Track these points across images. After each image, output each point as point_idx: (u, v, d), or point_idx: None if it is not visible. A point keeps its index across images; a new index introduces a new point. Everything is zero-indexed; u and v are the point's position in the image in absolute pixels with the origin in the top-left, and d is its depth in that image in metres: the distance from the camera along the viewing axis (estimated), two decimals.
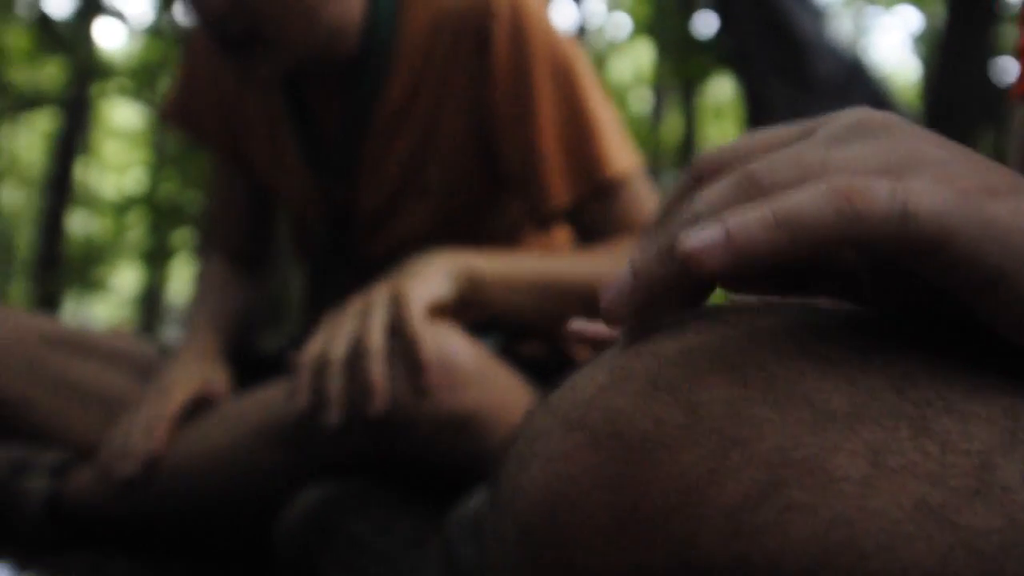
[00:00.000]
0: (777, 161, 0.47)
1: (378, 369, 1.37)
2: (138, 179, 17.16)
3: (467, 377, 1.42)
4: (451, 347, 1.42)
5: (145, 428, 1.56)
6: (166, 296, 17.52)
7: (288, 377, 1.51)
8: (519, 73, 1.67)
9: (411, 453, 1.41)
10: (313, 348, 1.42)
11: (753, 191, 0.46)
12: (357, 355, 1.38)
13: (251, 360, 1.85)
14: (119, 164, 20.20)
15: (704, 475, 0.41)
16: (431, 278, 1.48)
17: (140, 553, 1.63)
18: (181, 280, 17.53)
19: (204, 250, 2.06)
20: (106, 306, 19.68)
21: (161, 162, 13.78)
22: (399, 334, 1.40)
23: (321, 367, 1.40)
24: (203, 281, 1.96)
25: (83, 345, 1.87)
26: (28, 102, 13.33)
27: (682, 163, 11.91)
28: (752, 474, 0.41)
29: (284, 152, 1.85)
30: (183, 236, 13.39)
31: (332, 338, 1.42)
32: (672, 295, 0.49)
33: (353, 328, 1.41)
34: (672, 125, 14.94)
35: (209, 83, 1.93)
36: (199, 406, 1.62)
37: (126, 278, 19.35)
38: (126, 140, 19.87)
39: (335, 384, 1.38)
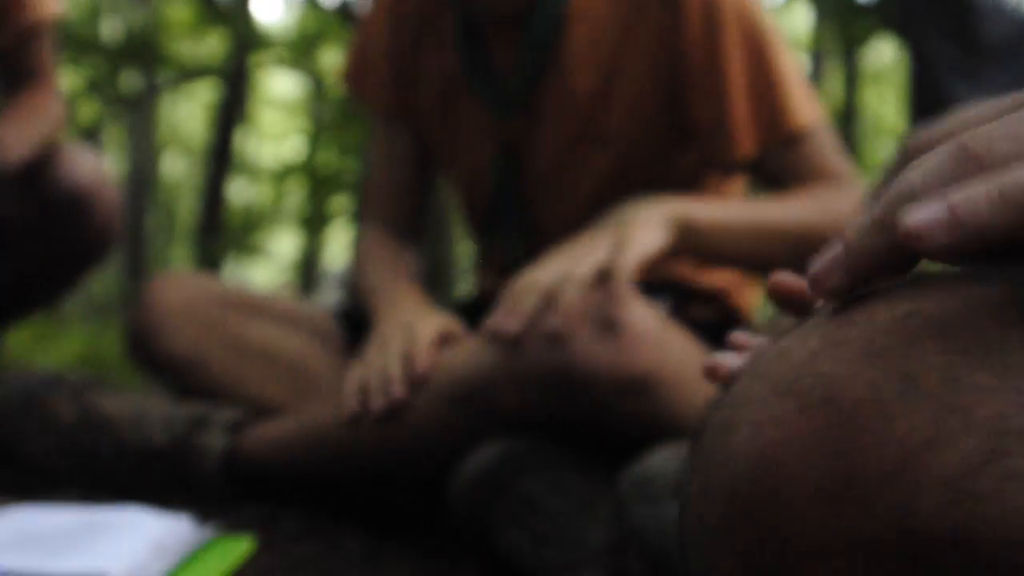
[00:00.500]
0: (994, 133, 0.46)
1: (572, 295, 1.39)
2: (296, 147, 17.45)
3: (646, 338, 1.43)
4: (634, 307, 1.43)
5: (403, 355, 1.59)
6: (323, 261, 17.80)
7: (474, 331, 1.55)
8: (709, 24, 1.68)
9: (586, 413, 1.42)
10: (526, 276, 1.46)
11: (971, 165, 0.45)
12: (559, 281, 1.42)
13: None
14: (277, 133, 20.54)
15: (922, 442, 0.41)
16: (652, 228, 1.50)
17: (312, 509, 1.67)
18: (338, 246, 17.79)
19: (362, 219, 2.09)
20: (264, 271, 20.07)
21: (318, 130, 13.99)
22: (606, 281, 1.42)
23: (524, 291, 1.43)
24: (368, 250, 1.99)
25: (258, 307, 1.92)
26: (190, 74, 13.62)
27: (842, 129, 11.66)
28: (971, 442, 0.40)
29: (460, 107, 1.87)
30: (340, 203, 13.58)
31: (546, 267, 1.46)
32: (884, 267, 0.48)
33: (567, 261, 1.44)
34: (831, 90, 14.66)
35: (383, 49, 1.97)
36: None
37: (284, 244, 19.70)
38: (284, 109, 20.20)
39: (528, 302, 1.41)
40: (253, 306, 1.92)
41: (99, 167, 2.24)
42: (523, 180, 1.84)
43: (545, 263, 1.48)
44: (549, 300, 1.41)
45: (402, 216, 2.03)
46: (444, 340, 1.62)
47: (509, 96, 1.80)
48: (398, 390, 1.55)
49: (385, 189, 2.03)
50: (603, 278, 1.43)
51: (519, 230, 1.87)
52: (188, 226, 18.81)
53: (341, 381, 1.68)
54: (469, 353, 1.48)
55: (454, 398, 1.48)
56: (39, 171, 2.14)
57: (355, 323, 1.95)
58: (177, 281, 1.93)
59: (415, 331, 1.63)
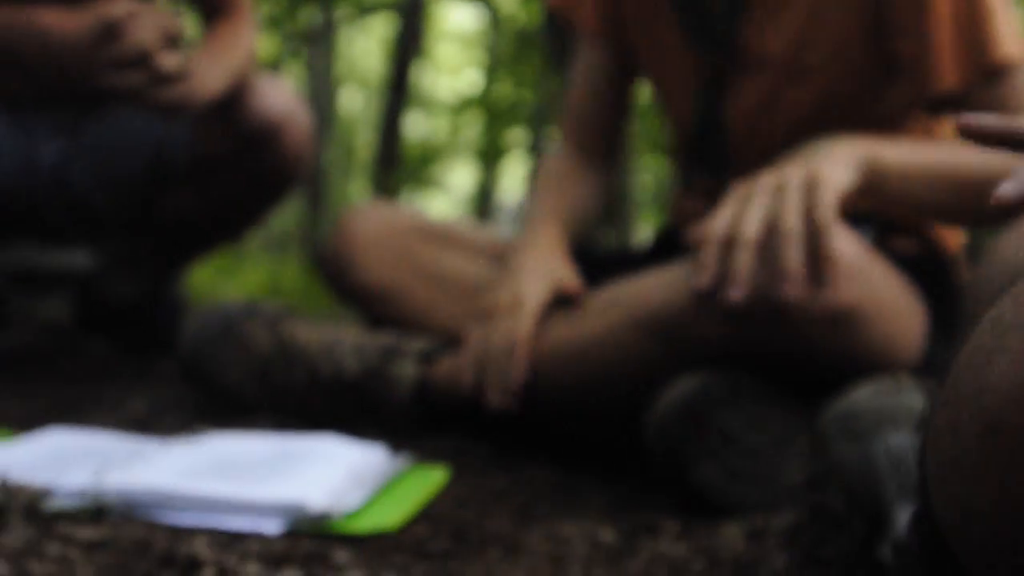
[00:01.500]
0: None
1: (795, 255, 1.34)
2: (472, 80, 17.49)
3: (852, 271, 1.37)
4: (840, 239, 1.38)
5: (505, 351, 1.58)
6: (498, 194, 17.87)
7: (665, 265, 1.52)
8: None
9: (787, 347, 1.38)
10: (719, 223, 1.40)
11: None
12: (771, 236, 1.36)
13: (591, 256, 1.85)
14: (453, 66, 20.64)
15: None
16: (841, 166, 1.43)
17: (503, 439, 1.66)
18: (514, 179, 17.85)
19: (558, 140, 2.06)
20: (440, 204, 20.26)
21: (494, 63, 13.99)
22: (808, 220, 1.36)
23: (730, 243, 1.38)
24: (548, 171, 1.96)
25: (451, 237, 1.91)
26: (367, 8, 13.74)
27: None
28: None
29: (666, 41, 1.83)
30: (516, 135, 13.59)
31: (743, 215, 1.39)
32: None
33: (767, 207, 1.38)
34: None
35: None
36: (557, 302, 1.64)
37: (460, 177, 19.83)
38: (460, 42, 20.27)
39: (745, 262, 1.36)
40: (446, 236, 1.92)
41: (292, 97, 2.25)
42: (724, 115, 1.79)
43: (736, 206, 1.41)
44: (765, 262, 1.35)
45: (596, 139, 1.99)
46: (557, 300, 1.62)
47: (715, 33, 1.75)
48: (500, 400, 1.57)
49: (582, 111, 2.00)
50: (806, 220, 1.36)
51: (719, 163, 1.82)
52: (365, 160, 19.07)
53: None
54: (667, 283, 1.45)
55: (651, 329, 1.45)
56: (233, 103, 2.16)
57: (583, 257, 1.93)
58: (370, 211, 1.94)
59: (522, 310, 1.62)
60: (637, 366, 1.49)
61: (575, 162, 1.96)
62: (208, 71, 2.00)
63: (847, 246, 1.38)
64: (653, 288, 1.48)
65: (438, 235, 1.92)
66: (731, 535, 1.24)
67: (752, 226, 1.36)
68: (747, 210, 1.38)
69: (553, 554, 1.17)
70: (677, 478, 1.36)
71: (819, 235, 1.34)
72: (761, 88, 1.73)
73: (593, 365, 1.52)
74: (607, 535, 1.23)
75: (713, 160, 1.81)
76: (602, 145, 1.99)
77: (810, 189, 1.37)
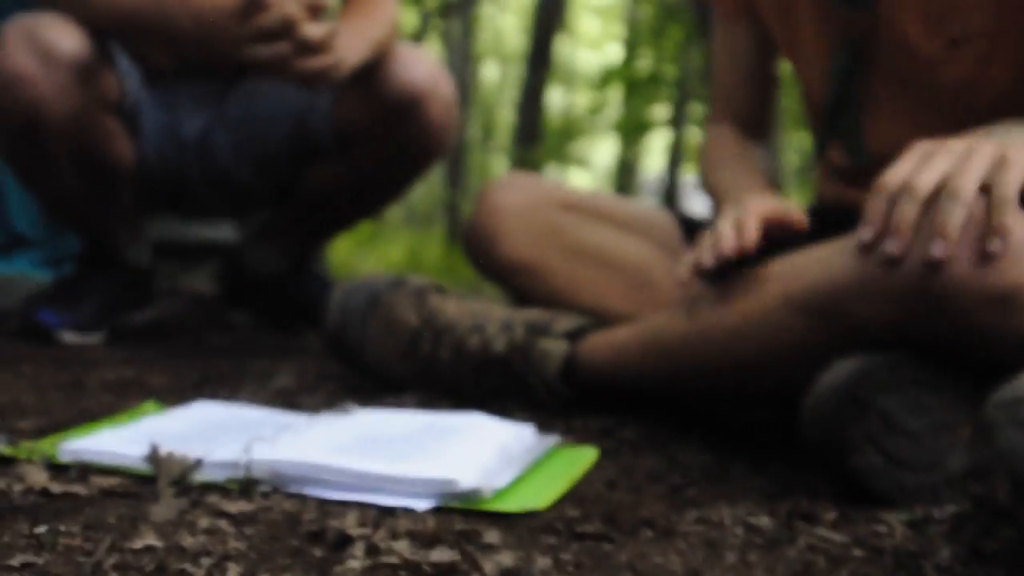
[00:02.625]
0: None
1: (958, 218, 1.27)
2: (614, 53, 17.39)
3: (1021, 250, 1.31)
4: (1015, 219, 1.30)
5: (734, 225, 1.53)
6: (640, 169, 17.78)
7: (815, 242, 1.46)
8: None
9: (952, 329, 1.31)
10: (893, 176, 1.33)
11: None
12: (942, 194, 1.29)
13: None
14: (595, 39, 20.56)
15: None
16: None
17: (651, 420, 1.63)
18: (656, 153, 17.73)
19: (710, 119, 2.03)
20: (581, 179, 20.22)
21: (636, 36, 13.88)
22: (989, 194, 1.29)
23: (900, 194, 1.32)
24: (718, 147, 1.92)
25: (598, 211, 1.88)
26: None
27: None
28: None
29: (802, 8, 1.78)
30: (658, 109, 13.49)
31: (919, 170, 1.33)
32: None
33: (947, 166, 1.32)
34: None
35: None
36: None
37: (602, 151, 19.77)
38: (602, 15, 20.18)
39: (909, 213, 1.30)
40: (593, 210, 1.89)
41: (436, 67, 2.24)
42: (868, 79, 1.72)
43: (916, 159, 1.35)
44: (931, 216, 1.29)
45: (748, 113, 1.96)
46: (779, 221, 1.55)
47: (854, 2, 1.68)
48: (727, 246, 1.49)
49: (729, 87, 1.97)
50: (984, 191, 1.30)
51: (861, 134, 1.75)
52: (505, 136, 19.11)
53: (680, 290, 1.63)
54: (825, 260, 1.39)
55: (808, 308, 1.39)
56: (376, 73, 2.16)
57: (698, 226, 1.89)
58: (514, 183, 1.91)
59: (746, 206, 1.56)
60: (791, 347, 1.43)
61: (740, 138, 1.92)
62: (350, 41, 2.00)
63: (1021, 228, 1.31)
64: (808, 265, 1.42)
65: (583, 208, 1.89)
66: (892, 524, 1.19)
67: (926, 181, 1.29)
68: (924, 166, 1.32)
69: (707, 539, 1.13)
70: (835, 463, 1.31)
71: (995, 209, 1.27)
72: (908, 52, 1.66)
73: (745, 345, 1.48)
74: (762, 521, 1.19)
75: (855, 132, 1.75)
76: (756, 120, 1.95)
77: (997, 165, 1.30)
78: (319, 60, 1.90)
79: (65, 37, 1.96)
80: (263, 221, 2.56)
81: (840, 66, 1.73)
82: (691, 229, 1.92)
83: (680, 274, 1.55)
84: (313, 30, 1.87)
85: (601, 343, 1.66)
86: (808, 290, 1.39)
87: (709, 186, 1.85)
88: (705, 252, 1.52)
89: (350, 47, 2.00)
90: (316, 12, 1.90)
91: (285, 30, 1.86)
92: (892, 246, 1.28)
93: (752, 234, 1.50)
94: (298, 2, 1.87)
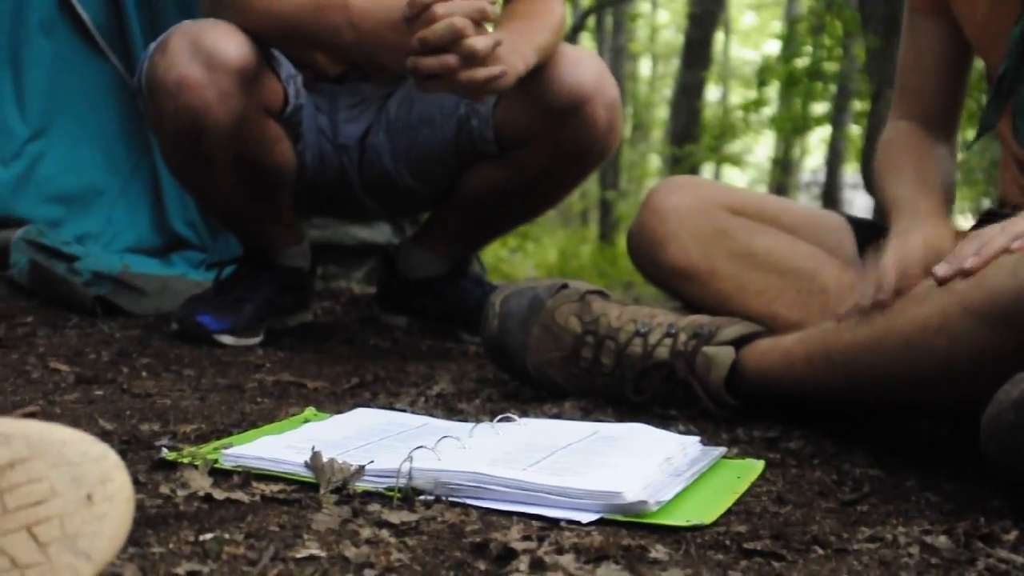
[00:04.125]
0: None
1: None
2: (772, 49, 17.16)
3: None
4: None
5: (896, 267, 1.50)
6: (801, 167, 17.54)
7: None
8: None
9: None
10: None
11: None
12: None
13: None
14: (753, 35, 20.35)
15: None
16: None
17: (819, 430, 1.58)
18: (816, 151, 17.47)
19: (892, 114, 1.97)
20: (739, 177, 20.02)
21: (795, 32, 13.67)
22: None
23: None
24: (898, 147, 1.86)
25: (767, 214, 1.84)
26: None
27: None
28: None
29: None
30: (818, 107, 13.28)
31: None
32: None
33: None
34: None
35: None
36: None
37: (760, 149, 19.55)
38: (759, 10, 19.96)
39: None
40: (761, 213, 1.84)
41: (601, 68, 2.20)
42: None
43: None
44: None
45: (935, 111, 1.90)
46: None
47: None
48: (885, 294, 1.46)
49: (916, 82, 1.91)
50: None
51: None
52: (660, 133, 19.01)
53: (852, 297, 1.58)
54: (1010, 267, 1.32)
55: (990, 316, 1.33)
56: (540, 75, 2.13)
57: (874, 232, 1.83)
58: (682, 186, 1.88)
59: (908, 241, 1.54)
60: (969, 357, 1.37)
61: (922, 136, 1.87)
62: (516, 49, 1.97)
63: None
64: (992, 273, 1.36)
65: (751, 211, 1.84)
66: None
67: None
68: None
69: (882, 559, 1.09)
70: (1015, 481, 1.25)
71: None
72: None
73: (920, 355, 1.42)
74: (939, 540, 1.14)
75: (1019, 116, 1.68)
76: (944, 119, 1.89)
77: None
78: (485, 71, 1.88)
79: (229, 43, 1.98)
80: (421, 224, 2.56)
81: (1017, 36, 1.66)
82: (863, 234, 1.86)
83: (842, 314, 1.52)
84: (480, 42, 1.85)
85: (768, 351, 1.61)
86: (991, 298, 1.32)
87: (881, 187, 1.80)
88: (865, 296, 1.49)
89: (516, 54, 1.97)
90: (482, 21, 1.88)
91: (452, 42, 1.84)
92: None
93: (914, 282, 1.47)
94: (465, 11, 1.85)
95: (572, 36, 13.53)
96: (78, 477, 0.90)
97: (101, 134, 2.91)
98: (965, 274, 1.36)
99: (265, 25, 2.01)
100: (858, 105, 12.26)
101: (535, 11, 2.11)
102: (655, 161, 18.98)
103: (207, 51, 1.96)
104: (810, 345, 1.56)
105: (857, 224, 1.90)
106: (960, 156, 2.00)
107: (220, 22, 2.01)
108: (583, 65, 2.15)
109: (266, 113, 2.13)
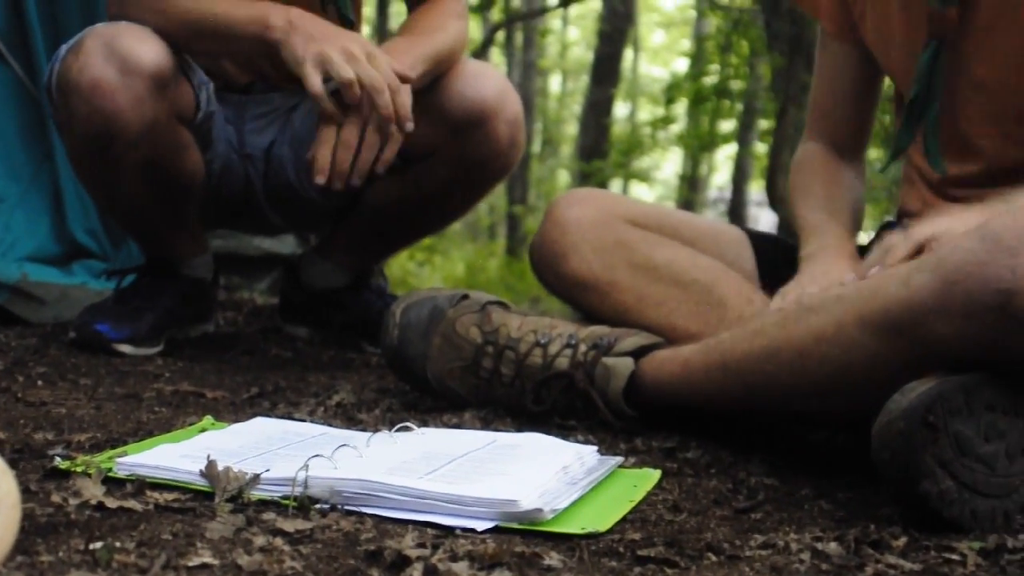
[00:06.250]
0: None
1: None
2: (681, 67, 17.35)
3: None
4: None
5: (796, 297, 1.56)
6: (709, 183, 17.71)
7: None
8: None
9: None
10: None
11: None
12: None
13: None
14: (661, 52, 20.53)
15: None
16: None
17: (715, 440, 1.60)
18: (725, 168, 17.65)
19: (804, 135, 2.01)
20: (647, 193, 20.16)
21: (702, 49, 13.84)
22: None
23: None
24: (808, 170, 1.91)
25: (667, 226, 1.86)
26: None
27: None
28: None
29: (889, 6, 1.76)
30: (728, 124, 13.43)
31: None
32: None
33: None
34: None
35: None
36: None
37: (668, 166, 19.71)
38: (668, 28, 20.15)
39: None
40: (662, 226, 1.86)
41: (503, 82, 2.21)
42: (955, 82, 1.69)
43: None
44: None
45: (845, 134, 1.96)
46: None
47: None
48: None
49: (827, 106, 1.96)
50: None
51: (941, 141, 1.73)
52: (569, 148, 19.10)
53: (750, 309, 1.61)
54: (903, 278, 1.35)
55: (883, 326, 1.35)
56: (441, 89, 2.14)
57: (772, 245, 1.86)
58: (584, 198, 1.89)
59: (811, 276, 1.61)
60: (862, 367, 1.40)
61: (832, 159, 1.92)
62: (403, 55, 1.99)
63: None
64: (885, 283, 1.38)
65: (652, 223, 1.86)
66: (963, 553, 1.15)
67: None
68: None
69: (773, 565, 1.10)
70: (905, 488, 1.27)
71: None
72: (998, 57, 1.63)
73: (815, 364, 1.44)
74: (830, 547, 1.16)
75: (935, 137, 1.73)
76: (854, 141, 1.95)
77: None
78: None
79: (144, 47, 1.96)
80: (323, 235, 2.55)
81: (924, 62, 1.70)
82: (762, 247, 1.89)
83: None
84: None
85: (666, 361, 1.63)
86: (884, 308, 1.35)
87: (792, 208, 1.84)
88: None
89: (402, 60, 1.99)
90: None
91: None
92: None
93: None
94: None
95: (482, 51, 13.54)
96: None
97: (0, 140, 2.86)
98: None
99: (173, 25, 2.00)
100: (764, 123, 12.42)
101: (428, 25, 2.13)
102: (564, 176, 19.05)
103: (122, 54, 1.94)
104: (708, 355, 1.58)
105: (756, 237, 1.93)
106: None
107: (135, 25, 1.99)
108: (485, 80, 2.16)
109: (178, 119, 2.11)
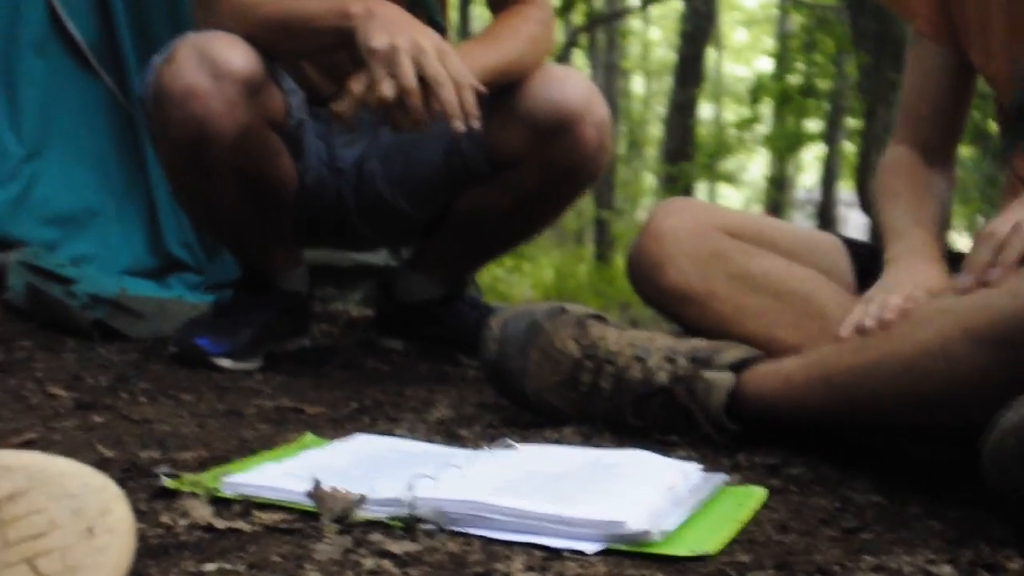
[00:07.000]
0: None
1: None
2: (766, 66, 17.21)
3: None
4: None
5: (880, 304, 1.52)
6: (795, 185, 17.54)
7: None
8: None
9: None
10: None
11: None
12: None
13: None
14: (745, 52, 20.37)
15: None
16: None
17: (820, 455, 1.57)
18: (813, 168, 17.48)
19: (893, 138, 1.97)
20: (733, 195, 20.01)
21: (786, 48, 13.71)
22: None
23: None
24: (895, 173, 1.87)
25: (764, 237, 1.84)
26: None
27: None
28: None
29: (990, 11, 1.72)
30: (811, 124, 13.29)
31: None
32: None
33: None
34: None
35: None
36: None
37: (756, 165, 19.55)
38: (751, 27, 19.99)
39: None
40: (759, 235, 1.84)
41: (590, 87, 2.20)
42: None
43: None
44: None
45: (935, 138, 1.92)
46: None
47: None
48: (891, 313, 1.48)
49: (917, 109, 1.92)
50: None
51: None
52: (654, 151, 19.03)
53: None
54: (1014, 290, 1.32)
55: (992, 340, 1.32)
56: (527, 95, 2.14)
57: (870, 253, 1.83)
58: (681, 209, 1.88)
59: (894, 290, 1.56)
60: (970, 381, 1.37)
61: (920, 163, 1.88)
62: (474, 55, 2.00)
63: None
64: (994, 296, 1.36)
65: (749, 234, 1.84)
66: None
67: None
68: None
69: None
70: (1018, 508, 1.24)
71: None
72: None
73: (920, 379, 1.41)
74: (943, 570, 1.13)
75: None
76: (945, 144, 1.91)
77: None
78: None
79: (235, 53, 1.99)
80: (416, 248, 2.56)
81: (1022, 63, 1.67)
82: (859, 255, 1.86)
83: (843, 332, 1.52)
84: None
85: (767, 375, 1.61)
86: (992, 321, 1.32)
87: (880, 214, 1.81)
88: (869, 318, 1.50)
89: (472, 61, 2.00)
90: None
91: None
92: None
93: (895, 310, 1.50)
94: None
95: (564, 53, 13.54)
96: (78, 509, 0.89)
97: (95, 154, 2.90)
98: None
99: (269, 23, 2.03)
100: (852, 122, 12.28)
101: (504, 31, 2.14)
102: (649, 179, 18.97)
103: (213, 61, 1.97)
104: (810, 369, 1.56)
105: (853, 246, 1.91)
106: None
107: (225, 33, 2.02)
108: (571, 84, 2.16)
109: (270, 126, 2.14)
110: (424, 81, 1.90)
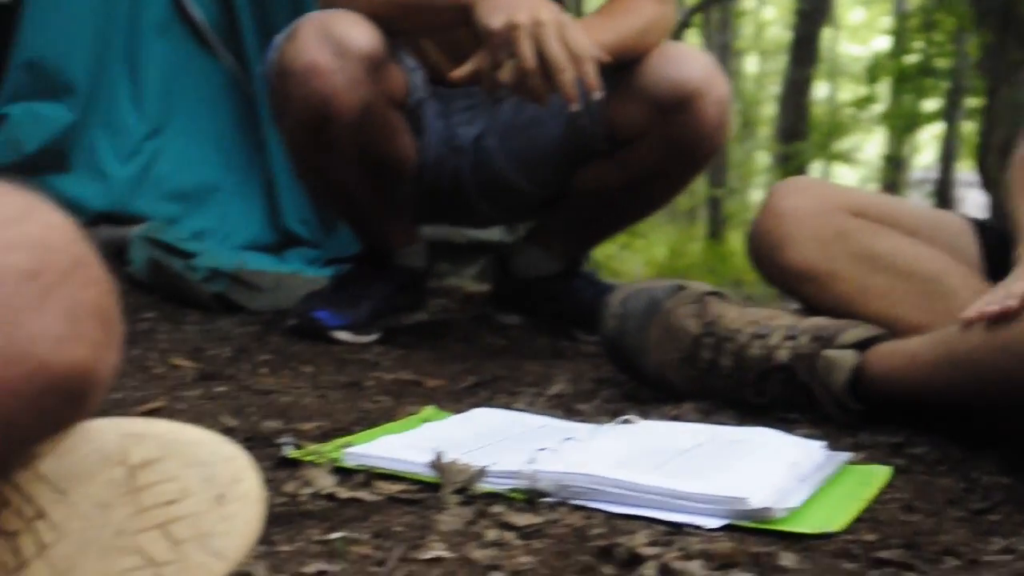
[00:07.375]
0: None
1: None
2: (882, 45, 16.90)
3: None
4: None
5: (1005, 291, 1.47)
6: (912, 165, 17.24)
7: None
8: None
9: None
10: None
11: None
12: None
13: None
14: (861, 30, 20.04)
15: None
16: None
17: (945, 435, 1.54)
18: (929, 148, 17.15)
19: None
20: (849, 175, 19.71)
21: (904, 27, 13.46)
22: None
23: None
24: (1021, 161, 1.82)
25: (887, 216, 1.81)
26: None
27: None
28: None
29: None
30: (930, 103, 13.04)
31: None
32: None
33: None
34: None
35: None
36: None
37: (872, 145, 19.23)
38: (868, 5, 19.65)
39: None
40: (882, 215, 1.81)
41: (710, 64, 2.18)
42: None
43: None
44: None
45: None
46: None
47: None
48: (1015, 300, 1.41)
49: None
50: None
51: None
52: (768, 130, 18.82)
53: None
54: None
55: None
56: (648, 72, 2.13)
57: (997, 235, 1.79)
58: (802, 188, 1.85)
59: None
60: None
61: None
62: (593, 30, 1.99)
63: None
64: None
65: (872, 213, 1.81)
66: None
67: None
68: None
69: (1016, 571, 1.06)
70: None
71: None
72: None
73: None
74: None
75: None
76: None
77: None
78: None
79: (358, 31, 2.01)
80: (534, 224, 2.56)
81: None
82: (986, 236, 1.82)
83: (968, 319, 1.48)
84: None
85: (891, 354, 1.58)
86: None
87: (1008, 209, 1.76)
88: (993, 306, 1.45)
89: (591, 31, 1.99)
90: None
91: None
92: None
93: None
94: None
95: (678, 33, 13.42)
96: (210, 477, 0.90)
97: (215, 132, 2.95)
98: None
99: (389, 1, 2.05)
100: (972, 101, 12.02)
101: (623, 7, 2.13)
102: (763, 158, 18.77)
103: (336, 38, 1.99)
104: (937, 348, 1.53)
105: (981, 227, 1.86)
106: None
107: (347, 12, 2.04)
108: (691, 62, 2.15)
109: (391, 103, 2.15)
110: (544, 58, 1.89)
